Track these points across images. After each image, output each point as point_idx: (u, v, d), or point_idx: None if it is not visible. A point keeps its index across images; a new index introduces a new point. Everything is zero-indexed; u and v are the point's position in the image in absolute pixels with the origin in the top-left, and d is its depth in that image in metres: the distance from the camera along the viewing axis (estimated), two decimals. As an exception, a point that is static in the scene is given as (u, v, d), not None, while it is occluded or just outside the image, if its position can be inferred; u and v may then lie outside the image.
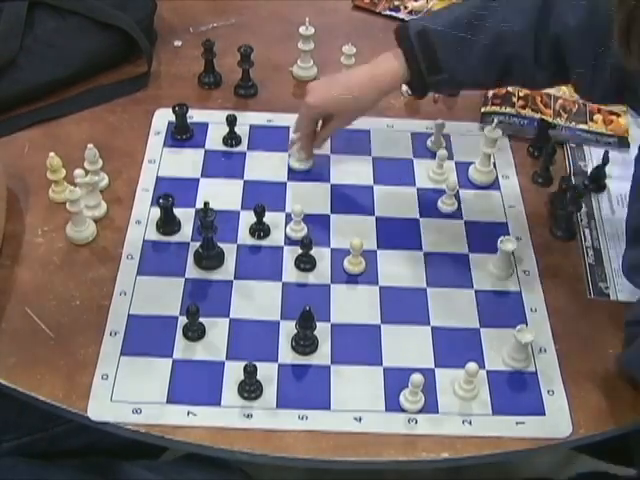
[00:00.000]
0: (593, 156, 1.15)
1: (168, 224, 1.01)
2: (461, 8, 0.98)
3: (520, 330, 0.89)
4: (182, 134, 1.13)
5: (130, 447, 0.93)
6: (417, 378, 0.84)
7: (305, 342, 0.91)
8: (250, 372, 0.85)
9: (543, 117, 1.17)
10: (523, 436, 0.86)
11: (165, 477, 0.96)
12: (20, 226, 1.00)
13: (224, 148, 1.13)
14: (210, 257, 0.98)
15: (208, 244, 0.98)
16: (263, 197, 1.05)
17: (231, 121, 1.12)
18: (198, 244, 0.99)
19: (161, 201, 0.99)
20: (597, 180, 1.11)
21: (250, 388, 0.87)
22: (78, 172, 0.99)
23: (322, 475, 1.11)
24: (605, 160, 1.10)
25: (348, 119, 1.07)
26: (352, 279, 0.99)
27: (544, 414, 0.88)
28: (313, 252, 0.99)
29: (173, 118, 1.15)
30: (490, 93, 1.21)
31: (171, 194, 1.00)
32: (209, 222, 0.95)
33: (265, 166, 1.11)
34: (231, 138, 1.13)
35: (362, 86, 1.02)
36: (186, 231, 1.02)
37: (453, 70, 0.97)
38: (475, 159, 1.12)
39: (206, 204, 0.95)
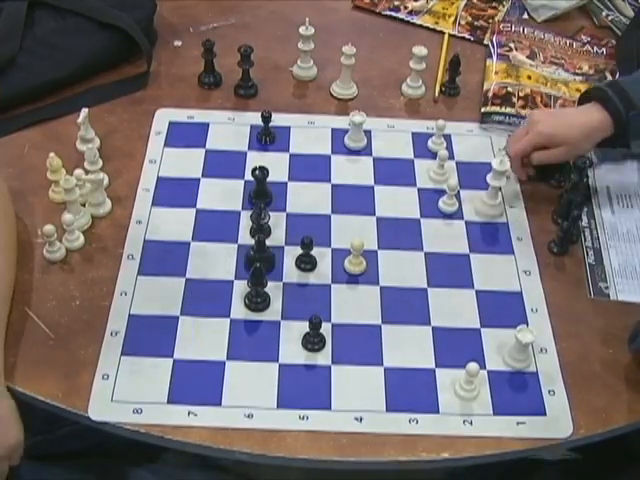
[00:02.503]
0: (593, 156, 1.15)
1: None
2: None
3: (521, 330, 0.89)
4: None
5: (132, 449, 0.93)
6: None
7: (258, 299, 0.93)
8: (315, 324, 0.89)
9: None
10: (524, 436, 0.86)
11: (167, 479, 0.96)
12: (20, 226, 1.00)
13: (227, 148, 1.13)
14: (261, 259, 0.97)
15: (260, 246, 0.97)
16: (263, 197, 1.05)
17: (266, 117, 1.11)
18: (197, 244, 0.99)
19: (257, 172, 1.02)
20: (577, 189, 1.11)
21: (314, 340, 0.90)
22: (78, 172, 0.99)
23: (322, 475, 1.11)
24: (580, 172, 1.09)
25: (567, 155, 1.07)
26: (353, 279, 0.98)
27: (545, 414, 0.88)
28: (314, 252, 0.98)
29: (173, 118, 1.16)
30: (490, 93, 1.21)
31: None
32: (263, 224, 0.97)
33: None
34: (265, 135, 1.13)
35: (583, 130, 1.04)
36: (186, 231, 1.02)
37: None
38: (476, 159, 1.13)
39: (261, 206, 0.97)
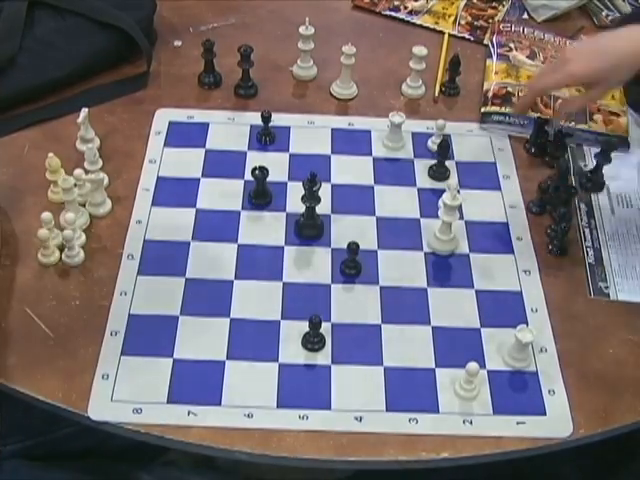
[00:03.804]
0: (590, 161, 1.15)
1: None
2: None
3: (521, 330, 0.89)
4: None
5: (132, 450, 0.93)
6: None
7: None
8: (315, 324, 0.89)
9: (540, 115, 1.17)
10: (523, 436, 0.86)
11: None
12: (20, 226, 1.00)
13: (227, 148, 1.13)
14: (310, 226, 1.01)
15: (311, 213, 1.00)
16: (263, 197, 1.05)
17: (266, 117, 1.11)
18: (197, 244, 0.99)
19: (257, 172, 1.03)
20: (595, 180, 1.11)
21: (314, 340, 0.90)
22: (78, 172, 0.99)
23: (322, 475, 1.11)
24: (600, 161, 1.10)
25: (610, 88, 1.02)
26: (351, 279, 0.98)
27: (545, 414, 0.88)
28: (313, 252, 0.99)
29: (173, 118, 1.16)
30: (490, 93, 1.21)
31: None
32: (314, 192, 0.98)
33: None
34: (265, 135, 1.13)
35: (624, 59, 0.97)
36: (186, 231, 1.02)
37: None
38: (475, 159, 1.13)
39: (313, 175, 0.98)
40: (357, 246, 0.96)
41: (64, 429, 0.97)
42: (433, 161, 1.12)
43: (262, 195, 1.05)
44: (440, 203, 1.01)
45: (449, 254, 1.02)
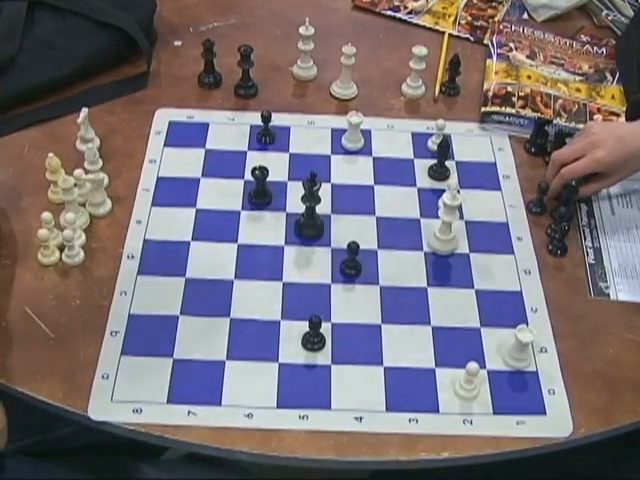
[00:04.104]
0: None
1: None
2: None
3: (521, 330, 0.89)
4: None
5: (133, 445, 0.93)
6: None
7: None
8: (315, 324, 0.89)
9: (540, 115, 1.17)
10: (523, 436, 0.86)
11: (169, 474, 0.96)
12: (20, 226, 1.00)
13: (227, 148, 1.13)
14: (310, 226, 1.01)
15: (311, 213, 1.00)
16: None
17: (266, 117, 1.11)
18: (197, 244, 0.99)
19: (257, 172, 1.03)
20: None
21: (314, 340, 0.90)
22: (78, 172, 0.99)
23: (322, 475, 1.11)
24: None
25: (623, 178, 1.06)
26: (351, 279, 0.98)
27: (545, 414, 0.88)
28: (313, 252, 0.99)
29: (173, 118, 1.16)
30: (490, 93, 1.21)
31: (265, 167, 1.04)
32: (314, 192, 0.99)
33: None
34: (265, 135, 1.13)
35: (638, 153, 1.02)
36: (186, 231, 1.02)
37: None
38: (475, 159, 1.13)
39: (313, 175, 0.98)
40: (357, 246, 0.96)
41: (64, 427, 0.97)
42: (433, 161, 1.12)
43: (262, 195, 1.05)
44: (440, 203, 1.01)
45: (449, 254, 1.02)
